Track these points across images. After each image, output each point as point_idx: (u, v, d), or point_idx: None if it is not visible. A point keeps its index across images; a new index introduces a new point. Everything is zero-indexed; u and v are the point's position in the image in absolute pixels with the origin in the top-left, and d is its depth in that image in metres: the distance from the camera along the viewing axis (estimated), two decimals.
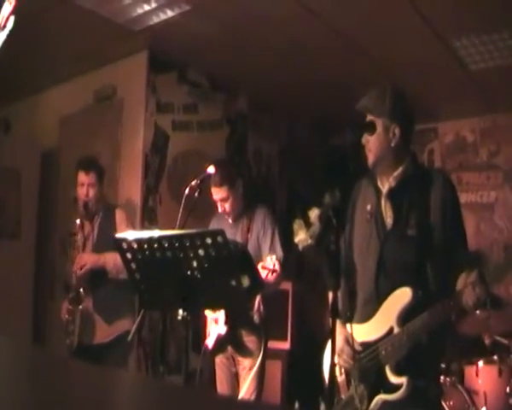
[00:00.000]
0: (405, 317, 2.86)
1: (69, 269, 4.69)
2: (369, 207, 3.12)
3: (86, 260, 4.60)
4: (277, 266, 3.99)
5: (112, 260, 4.57)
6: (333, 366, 2.58)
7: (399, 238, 2.97)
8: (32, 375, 1.21)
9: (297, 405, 6.02)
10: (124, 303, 4.73)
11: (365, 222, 3.12)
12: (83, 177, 4.74)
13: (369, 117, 3.02)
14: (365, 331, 3.00)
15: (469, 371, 4.95)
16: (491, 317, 5.00)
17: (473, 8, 4.59)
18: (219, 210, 4.48)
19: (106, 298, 4.63)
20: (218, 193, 4.39)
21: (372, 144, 3.01)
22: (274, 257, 4.01)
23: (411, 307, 2.85)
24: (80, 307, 4.52)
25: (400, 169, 3.02)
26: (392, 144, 2.99)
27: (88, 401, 1.01)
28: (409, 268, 2.94)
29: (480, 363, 4.86)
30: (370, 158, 3.04)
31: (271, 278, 4.07)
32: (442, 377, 4.75)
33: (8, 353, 1.43)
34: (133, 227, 5.23)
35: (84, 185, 4.72)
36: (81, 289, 4.53)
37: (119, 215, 4.88)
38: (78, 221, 4.73)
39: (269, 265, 3.94)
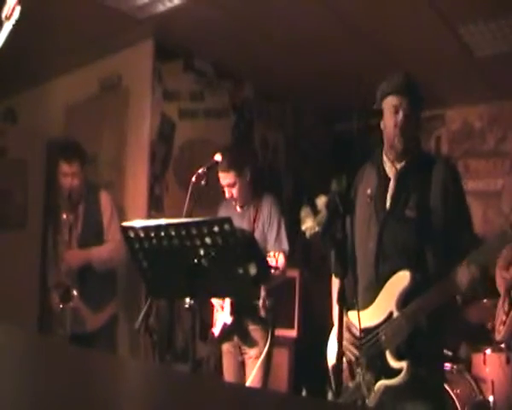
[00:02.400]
0: (405, 301, 2.89)
1: (57, 265, 4.68)
2: (369, 190, 3.15)
3: (73, 258, 4.61)
4: (281, 262, 4.01)
5: (97, 255, 4.66)
6: (340, 354, 2.58)
7: (398, 220, 3.01)
8: (40, 363, 1.21)
9: (304, 392, 6.03)
10: (107, 291, 4.84)
11: (365, 205, 3.15)
12: (65, 167, 4.71)
13: (393, 101, 3.01)
14: (367, 317, 3.01)
15: (477, 359, 4.94)
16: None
17: None
18: (227, 196, 4.46)
19: (92, 289, 4.66)
20: (225, 178, 4.37)
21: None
22: (277, 254, 4.01)
23: (410, 291, 2.87)
24: (71, 303, 4.53)
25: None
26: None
27: (96, 388, 1.01)
28: (408, 251, 2.97)
29: (488, 351, 4.85)
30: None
31: (274, 274, 4.08)
32: (449, 365, 4.76)
33: (15, 341, 1.44)
34: (123, 211, 5.28)
35: (68, 176, 4.69)
36: (71, 288, 4.54)
37: (104, 198, 4.91)
38: (64, 216, 4.71)
39: (271, 262, 3.94)
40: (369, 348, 2.98)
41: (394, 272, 2.92)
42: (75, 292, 4.52)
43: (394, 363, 2.87)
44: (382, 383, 2.91)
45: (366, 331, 3.00)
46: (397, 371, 2.85)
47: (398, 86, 3.03)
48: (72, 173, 4.69)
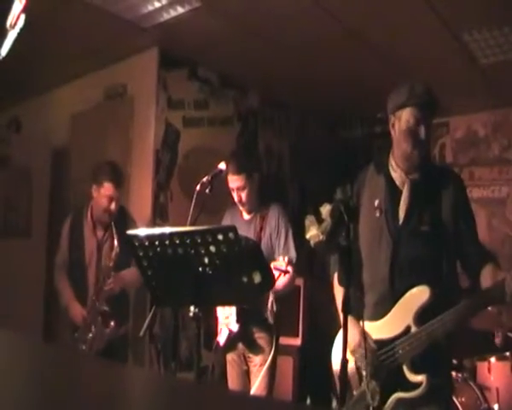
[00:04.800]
0: (423, 316, 2.85)
1: (101, 290, 4.48)
2: (377, 201, 3.09)
3: (121, 280, 4.51)
4: (290, 268, 3.98)
5: (130, 277, 4.51)
6: (344, 362, 2.57)
7: (413, 234, 2.96)
8: (45, 371, 1.21)
9: (309, 401, 6.02)
10: (123, 313, 4.74)
11: (374, 217, 3.09)
12: (111, 190, 4.55)
13: (415, 113, 2.98)
14: (379, 329, 2.98)
15: (482, 367, 4.94)
16: (503, 313, 4.98)
17: (483, 1, 4.57)
18: (235, 199, 4.44)
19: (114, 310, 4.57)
20: (235, 181, 4.36)
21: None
22: (286, 258, 3.99)
23: (429, 306, 2.83)
24: (108, 330, 4.43)
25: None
26: None
27: (99, 397, 1.01)
28: (424, 266, 2.93)
29: (493, 359, 4.85)
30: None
31: (283, 279, 4.07)
32: (454, 374, 4.74)
33: (20, 348, 1.44)
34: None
35: (112, 198, 4.55)
36: (110, 317, 4.43)
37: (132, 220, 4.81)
38: (100, 236, 4.65)
39: (281, 266, 3.92)
40: (385, 360, 2.95)
41: (410, 287, 2.88)
42: (113, 323, 4.44)
43: (412, 377, 2.84)
44: (398, 395, 2.88)
45: (380, 343, 2.98)
46: (415, 385, 2.82)
47: (420, 98, 2.95)
48: (115, 197, 4.56)
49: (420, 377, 2.82)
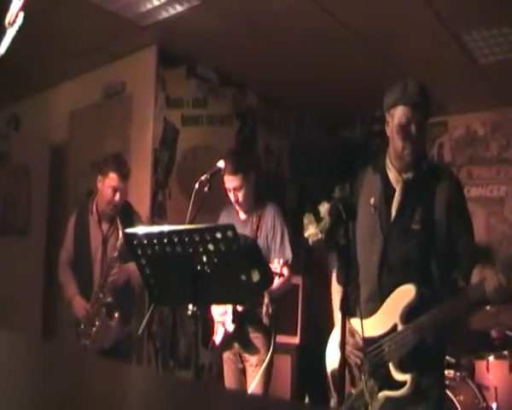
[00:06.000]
0: (409, 314, 2.87)
1: (105, 281, 4.41)
2: (372, 200, 3.11)
3: (126, 272, 4.42)
4: (285, 271, 4.02)
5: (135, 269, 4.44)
6: (343, 361, 2.57)
7: (403, 233, 2.97)
8: (45, 370, 1.21)
9: (307, 399, 6.02)
10: (130, 309, 4.68)
11: (369, 215, 3.11)
12: (115, 180, 4.49)
13: (406, 112, 2.96)
14: (369, 327, 2.98)
15: (480, 366, 4.93)
16: (502, 312, 4.99)
17: (482, 1, 4.57)
18: (232, 199, 4.45)
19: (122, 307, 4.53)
20: (231, 181, 4.36)
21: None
22: (281, 260, 4.01)
23: (415, 305, 2.85)
24: (113, 322, 4.38)
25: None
26: None
27: (98, 395, 1.01)
28: (413, 264, 2.94)
29: (491, 358, 4.85)
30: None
31: (278, 282, 4.09)
32: (452, 372, 4.75)
33: (20, 347, 1.44)
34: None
35: (116, 189, 4.49)
36: (115, 308, 4.37)
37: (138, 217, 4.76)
38: (105, 230, 4.57)
39: (275, 269, 3.94)
40: (373, 358, 2.97)
41: (398, 285, 2.90)
42: (117, 315, 4.40)
43: (398, 375, 2.85)
44: (384, 393, 2.90)
45: (369, 341, 2.99)
46: (400, 384, 2.83)
47: (412, 97, 2.93)
48: (121, 189, 4.52)
49: (405, 377, 2.83)
